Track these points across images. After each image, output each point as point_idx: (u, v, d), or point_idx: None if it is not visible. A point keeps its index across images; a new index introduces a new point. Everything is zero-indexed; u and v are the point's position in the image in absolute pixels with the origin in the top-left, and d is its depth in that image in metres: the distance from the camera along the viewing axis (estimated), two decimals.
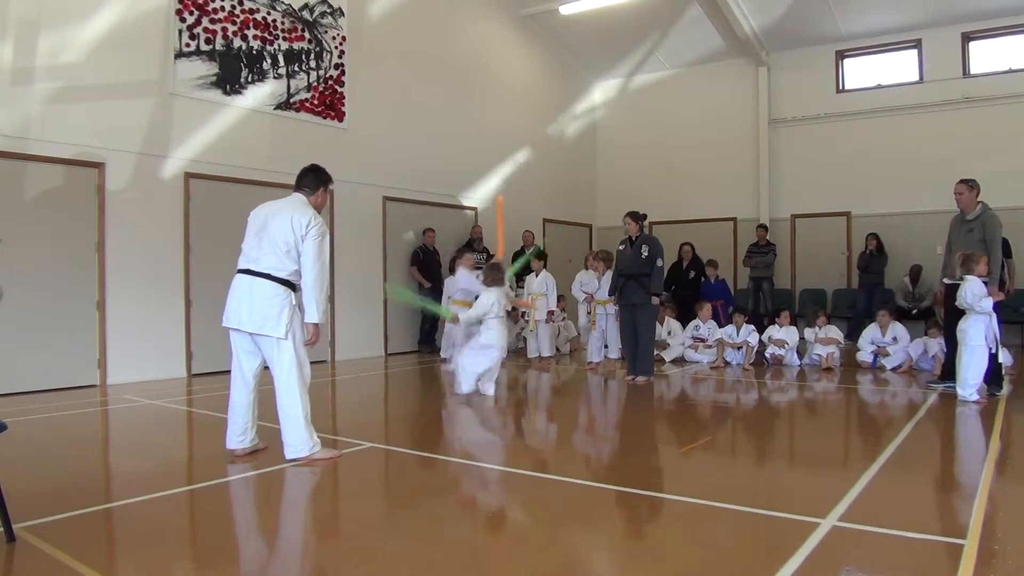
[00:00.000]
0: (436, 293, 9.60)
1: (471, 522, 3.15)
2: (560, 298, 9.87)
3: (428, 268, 10.09)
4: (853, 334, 9.59)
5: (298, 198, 4.18)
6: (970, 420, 5.32)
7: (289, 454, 4.02)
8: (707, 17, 11.80)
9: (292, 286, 4.03)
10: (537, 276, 9.40)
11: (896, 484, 3.62)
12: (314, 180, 4.24)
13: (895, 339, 8.08)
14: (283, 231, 3.97)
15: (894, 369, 7.91)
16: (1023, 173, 10.35)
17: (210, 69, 8.05)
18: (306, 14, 9.08)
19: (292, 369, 3.99)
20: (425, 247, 10.29)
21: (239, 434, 4.15)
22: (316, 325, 4.06)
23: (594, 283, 8.84)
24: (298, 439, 4.01)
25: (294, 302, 4.03)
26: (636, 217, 7.43)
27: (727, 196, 13.02)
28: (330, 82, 9.35)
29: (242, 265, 4.09)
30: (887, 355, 8.02)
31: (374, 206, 9.91)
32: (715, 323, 9.11)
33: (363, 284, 9.74)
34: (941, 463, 4.38)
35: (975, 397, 5.85)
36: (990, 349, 5.85)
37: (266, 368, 4.13)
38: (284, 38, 8.83)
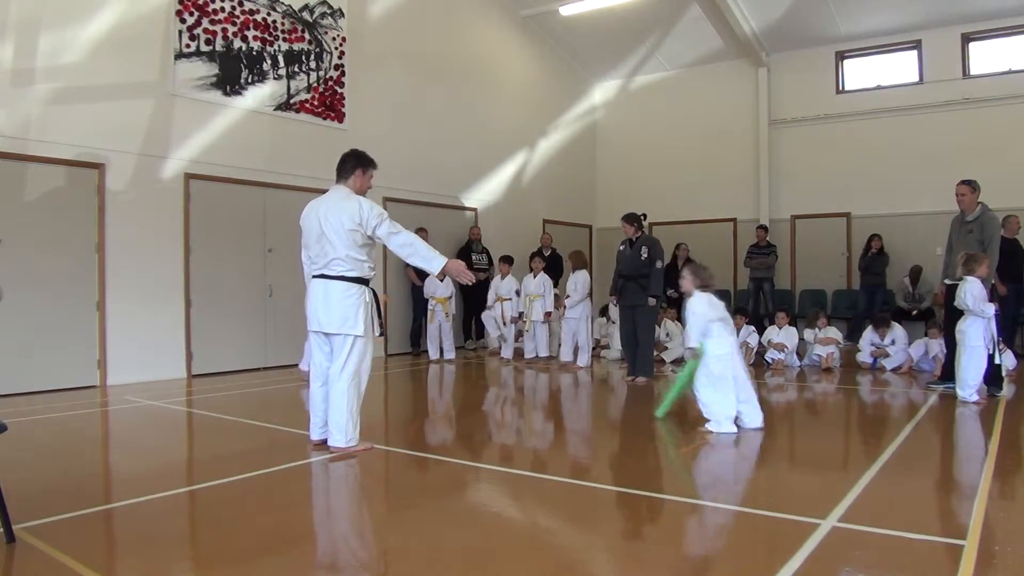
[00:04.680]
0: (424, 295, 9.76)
1: (471, 522, 3.15)
2: (558, 297, 9.89)
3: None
4: (853, 335, 9.59)
5: (341, 191, 4.27)
6: (970, 421, 5.32)
7: (331, 442, 4.25)
8: (707, 18, 11.79)
9: (365, 281, 4.22)
10: (536, 277, 9.40)
11: (896, 485, 3.62)
12: (351, 165, 4.32)
13: (893, 341, 8.09)
14: (341, 232, 4.10)
15: (894, 370, 7.91)
16: (1023, 173, 10.35)
17: (210, 70, 8.05)
18: (306, 15, 9.08)
19: (353, 366, 4.20)
20: None
21: (321, 426, 4.35)
22: (444, 268, 4.17)
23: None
24: (339, 430, 4.21)
25: (368, 299, 4.22)
26: (632, 219, 7.43)
27: (727, 197, 13.01)
28: (330, 83, 9.36)
29: (315, 272, 4.25)
30: (887, 356, 8.02)
31: None
32: None
33: None
34: (941, 464, 4.38)
35: (975, 398, 5.85)
36: (988, 350, 5.85)
37: None
38: (284, 39, 8.83)
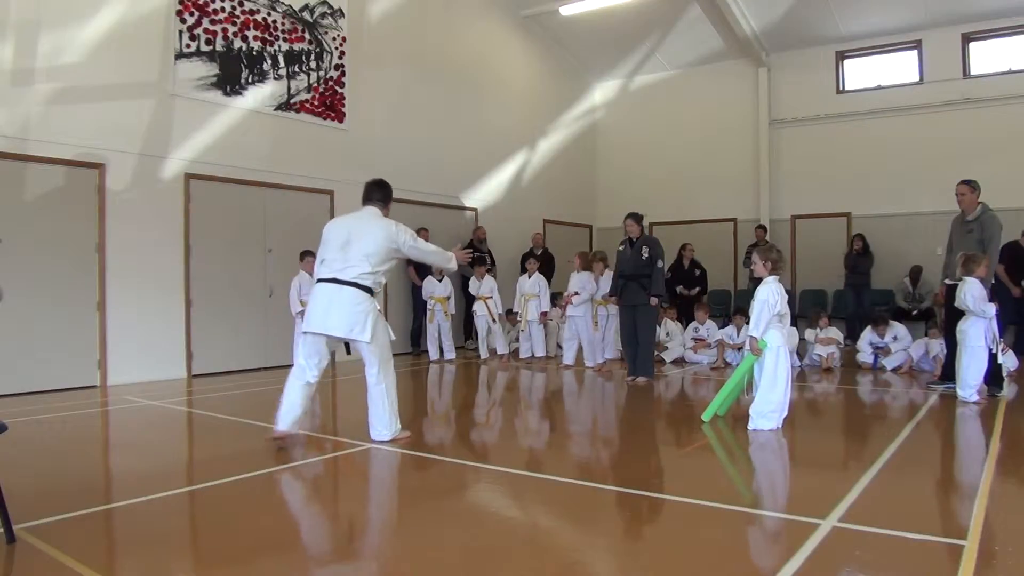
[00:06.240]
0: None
1: (472, 523, 3.15)
2: (555, 296, 9.86)
3: (423, 268, 10.09)
4: (851, 335, 9.59)
5: (374, 212, 4.62)
6: (970, 421, 5.32)
7: (374, 436, 4.55)
8: (707, 18, 11.79)
9: (373, 292, 4.45)
10: (530, 277, 9.39)
11: (896, 485, 3.62)
12: (384, 196, 4.71)
13: (895, 338, 8.08)
14: (374, 243, 4.39)
15: (894, 370, 7.91)
16: (1023, 173, 10.35)
17: (210, 70, 8.05)
18: (306, 15, 9.08)
19: (380, 366, 4.49)
20: None
21: (291, 419, 4.46)
22: (456, 258, 4.81)
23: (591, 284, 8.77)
24: (382, 424, 4.56)
25: (377, 307, 4.48)
26: (638, 218, 7.45)
27: (727, 197, 13.02)
28: (330, 83, 9.36)
29: (325, 275, 4.43)
30: (889, 354, 8.02)
31: None
32: (714, 324, 9.11)
33: None
34: (941, 464, 4.38)
35: (975, 398, 5.85)
36: (990, 350, 5.85)
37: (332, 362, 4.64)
38: (284, 39, 8.83)
